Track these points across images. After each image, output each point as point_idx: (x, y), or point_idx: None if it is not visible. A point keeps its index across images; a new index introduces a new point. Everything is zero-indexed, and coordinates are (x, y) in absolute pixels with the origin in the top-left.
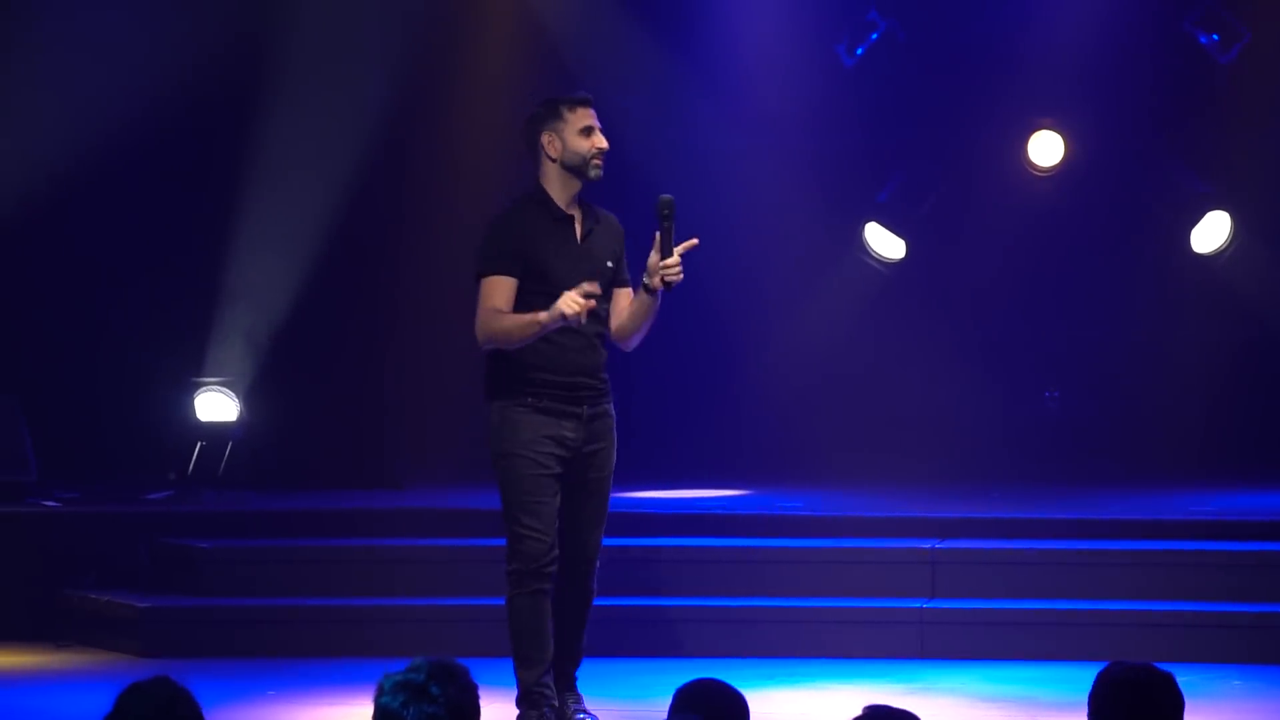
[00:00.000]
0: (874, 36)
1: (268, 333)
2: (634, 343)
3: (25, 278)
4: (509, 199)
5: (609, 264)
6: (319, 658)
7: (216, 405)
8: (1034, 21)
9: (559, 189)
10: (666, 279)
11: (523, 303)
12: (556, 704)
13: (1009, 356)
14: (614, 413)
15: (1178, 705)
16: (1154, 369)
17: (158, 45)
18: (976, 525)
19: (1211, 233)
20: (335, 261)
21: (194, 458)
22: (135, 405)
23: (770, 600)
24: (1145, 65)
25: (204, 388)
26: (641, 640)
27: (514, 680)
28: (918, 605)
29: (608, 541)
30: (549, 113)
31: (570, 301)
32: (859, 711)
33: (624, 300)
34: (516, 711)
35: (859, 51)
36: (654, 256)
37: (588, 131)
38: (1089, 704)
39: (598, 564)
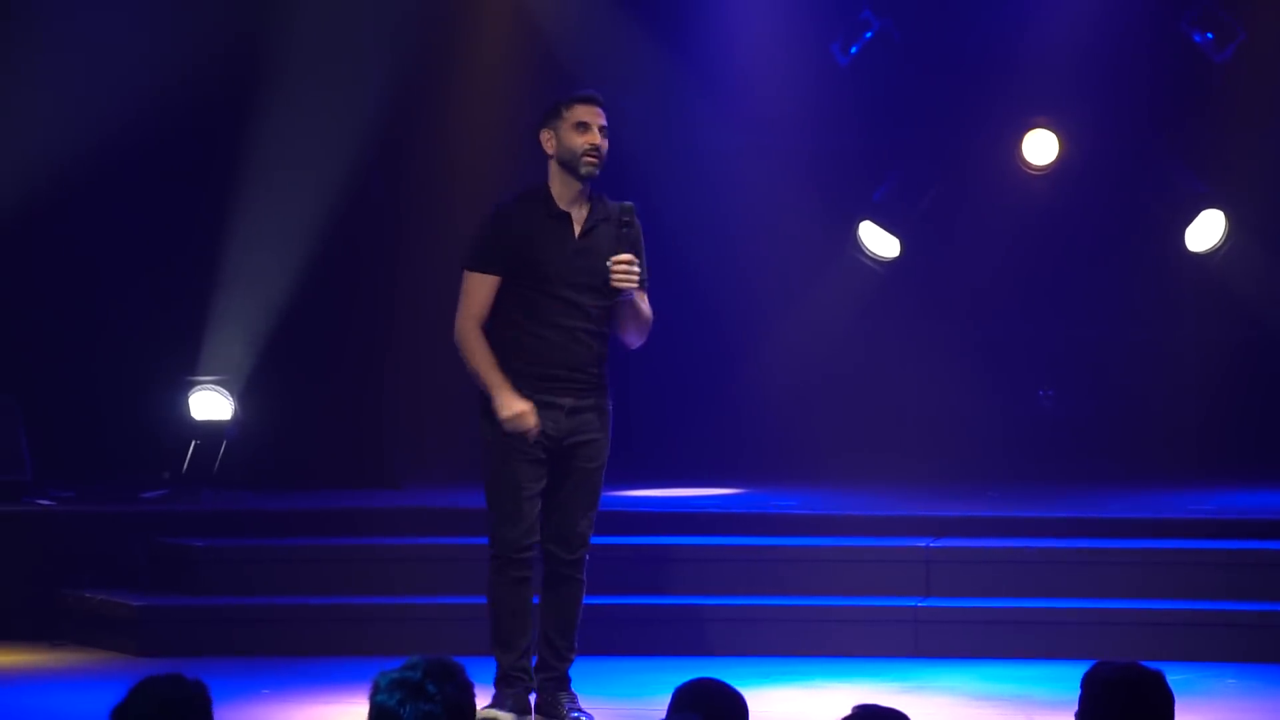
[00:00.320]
0: (868, 35)
1: (265, 329)
2: (632, 342)
3: (21, 277)
4: (515, 190)
5: (610, 263)
6: (316, 656)
7: (211, 404)
8: (1029, 20)
9: (559, 186)
10: (613, 280)
11: (516, 296)
12: (532, 685)
13: (1005, 355)
14: (609, 406)
15: (1167, 703)
16: (1150, 368)
17: (155, 46)
18: (972, 524)
19: (1207, 231)
20: (332, 260)
21: (189, 456)
22: (131, 404)
23: (766, 599)
24: (1140, 64)
25: (199, 386)
26: (637, 639)
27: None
28: (913, 604)
29: (605, 540)
30: (551, 110)
31: (517, 420)
32: (849, 711)
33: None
34: (493, 691)
35: (854, 51)
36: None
37: (582, 128)
38: (1079, 704)
39: (586, 556)
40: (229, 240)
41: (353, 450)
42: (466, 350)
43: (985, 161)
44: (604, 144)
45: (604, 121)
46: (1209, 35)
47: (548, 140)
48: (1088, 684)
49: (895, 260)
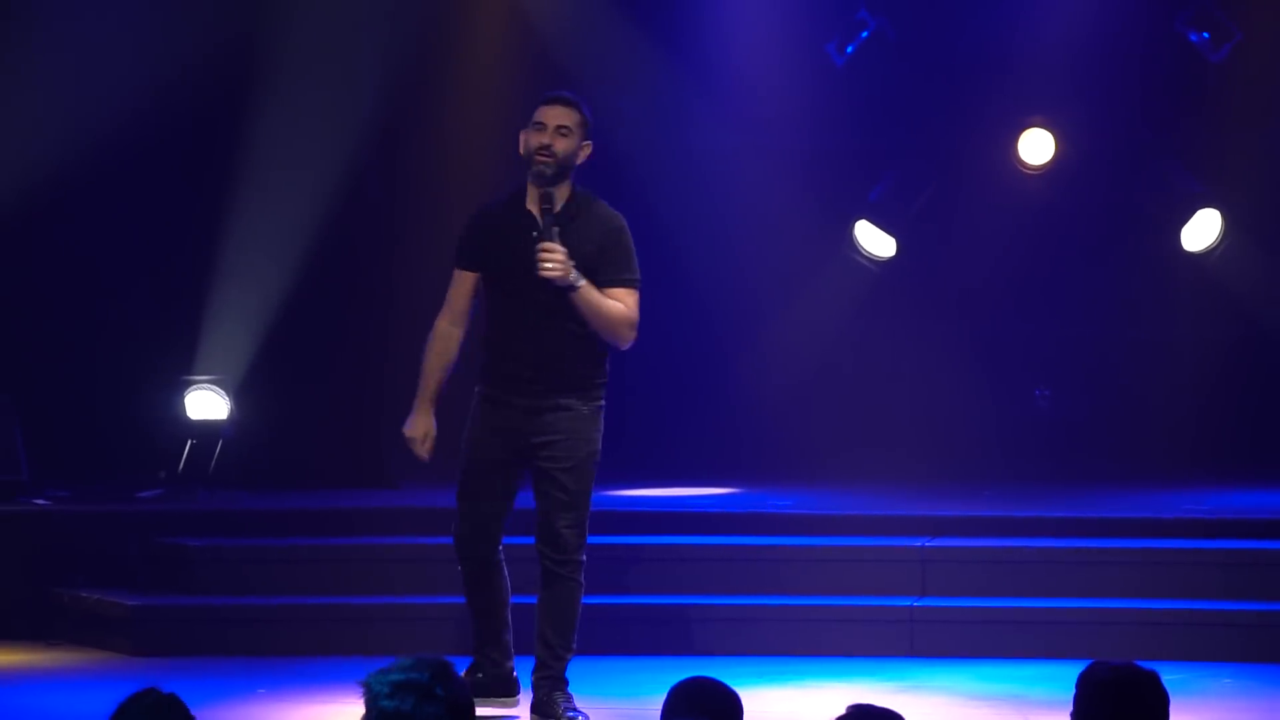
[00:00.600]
0: (864, 35)
1: (261, 329)
2: (609, 339)
3: (17, 276)
4: (504, 190)
5: (572, 262)
6: (312, 656)
7: (207, 403)
8: (1025, 19)
9: (530, 186)
10: (539, 269)
11: (489, 294)
12: (495, 669)
13: (1001, 355)
14: (589, 408)
15: (1163, 703)
16: (1146, 367)
17: (151, 45)
18: (967, 524)
19: (1203, 231)
20: (328, 259)
21: (185, 456)
22: (127, 404)
23: (761, 598)
24: (1137, 64)
25: (195, 386)
26: (633, 638)
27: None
28: (908, 604)
29: (600, 539)
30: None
31: (407, 440)
32: (844, 710)
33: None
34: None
35: (849, 50)
36: None
37: (538, 128)
38: (1074, 704)
39: (581, 558)
40: (226, 240)
41: (349, 449)
42: (425, 347)
43: (981, 161)
44: (560, 144)
45: (565, 122)
46: (1205, 35)
47: (520, 141)
48: (1083, 684)
49: (891, 260)
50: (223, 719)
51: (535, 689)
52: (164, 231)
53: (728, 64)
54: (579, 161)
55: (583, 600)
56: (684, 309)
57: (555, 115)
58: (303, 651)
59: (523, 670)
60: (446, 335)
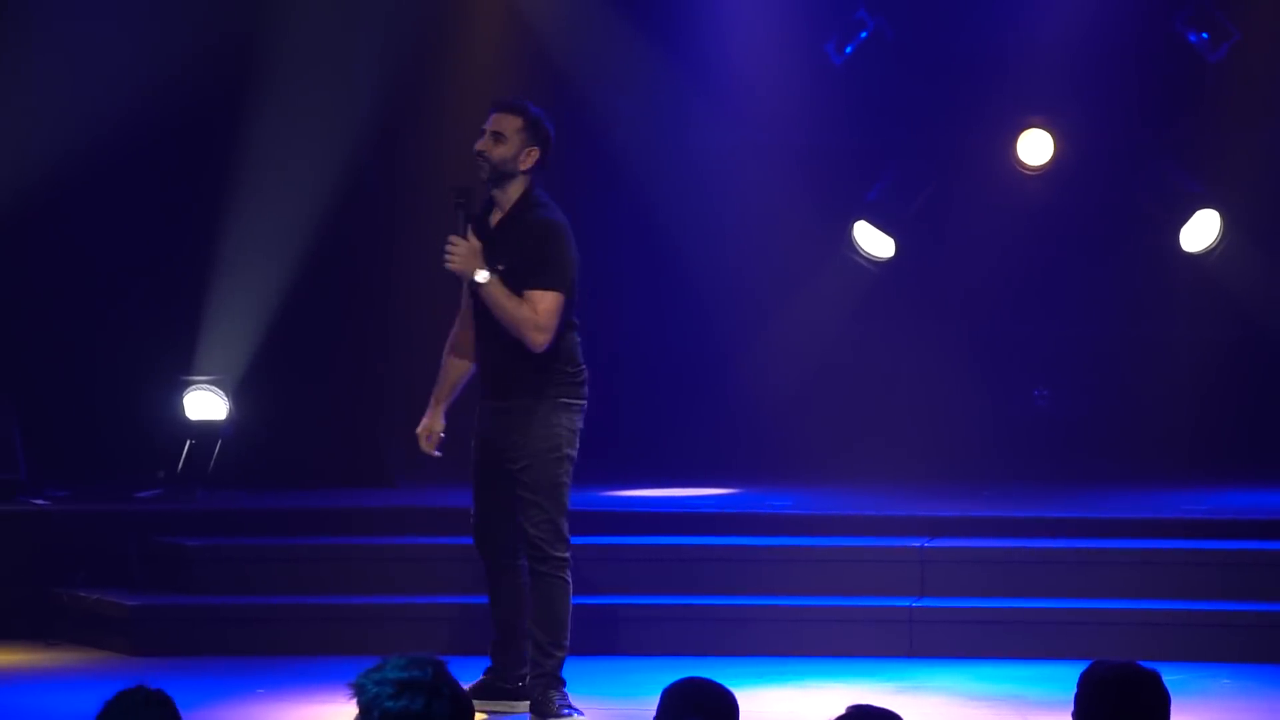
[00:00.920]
0: (863, 35)
1: (260, 329)
2: (518, 338)
3: (16, 276)
4: None
5: (499, 266)
6: (311, 656)
7: (206, 403)
8: (1023, 19)
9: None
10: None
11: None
12: (503, 675)
13: (999, 355)
14: (536, 405)
15: (1163, 703)
16: (1144, 367)
17: (149, 44)
18: (967, 524)
19: (1201, 231)
20: (327, 259)
21: (184, 456)
22: (126, 403)
23: (760, 599)
24: (1135, 64)
25: (194, 386)
26: (631, 638)
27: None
28: (908, 604)
29: (599, 539)
30: None
31: (419, 440)
32: (843, 711)
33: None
34: None
35: (848, 50)
36: None
37: (481, 133)
38: (1074, 704)
39: (552, 554)
40: (224, 240)
41: (348, 449)
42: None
43: (980, 161)
44: (494, 149)
45: (499, 128)
46: (1203, 35)
47: None
48: (1084, 684)
49: (890, 260)
50: (222, 719)
51: (531, 689)
52: (162, 231)
53: (726, 63)
54: (523, 166)
55: (580, 600)
56: (683, 309)
57: (492, 121)
58: (302, 651)
59: None
60: (457, 335)
